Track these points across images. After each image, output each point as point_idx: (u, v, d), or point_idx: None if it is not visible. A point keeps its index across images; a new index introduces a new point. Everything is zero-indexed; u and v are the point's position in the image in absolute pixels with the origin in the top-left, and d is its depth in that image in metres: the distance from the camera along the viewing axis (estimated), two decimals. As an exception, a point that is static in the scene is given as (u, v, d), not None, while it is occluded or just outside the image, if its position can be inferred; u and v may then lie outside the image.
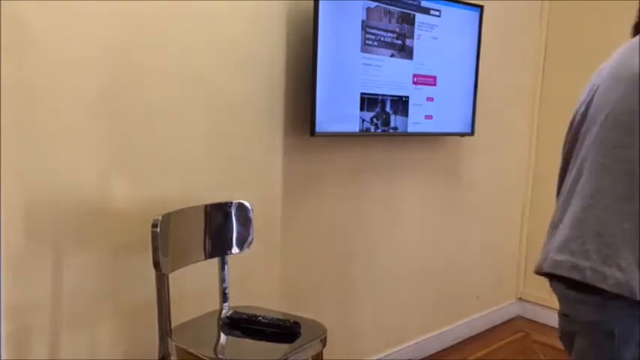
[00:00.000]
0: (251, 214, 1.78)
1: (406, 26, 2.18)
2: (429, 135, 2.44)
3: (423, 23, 2.23)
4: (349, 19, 1.99)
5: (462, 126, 2.52)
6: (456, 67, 2.43)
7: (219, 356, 1.47)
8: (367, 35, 2.04)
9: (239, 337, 1.57)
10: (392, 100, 2.18)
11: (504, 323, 3.21)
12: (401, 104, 2.21)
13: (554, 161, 3.35)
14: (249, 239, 1.79)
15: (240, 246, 1.78)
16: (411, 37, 2.20)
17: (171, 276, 1.56)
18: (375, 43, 2.08)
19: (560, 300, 1.14)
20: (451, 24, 2.36)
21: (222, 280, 1.76)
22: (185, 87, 1.72)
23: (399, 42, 2.16)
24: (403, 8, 2.15)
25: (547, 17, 3.11)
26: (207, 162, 1.80)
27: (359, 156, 2.26)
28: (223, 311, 1.73)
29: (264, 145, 1.95)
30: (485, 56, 2.59)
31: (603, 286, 0.99)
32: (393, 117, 2.19)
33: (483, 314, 3.08)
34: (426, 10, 2.24)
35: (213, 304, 1.78)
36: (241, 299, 1.82)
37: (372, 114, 2.11)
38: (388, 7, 2.09)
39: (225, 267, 1.76)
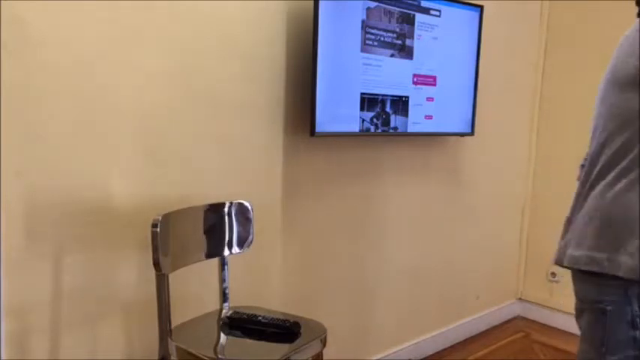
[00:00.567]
0: (251, 214, 1.78)
1: (406, 26, 2.18)
2: (429, 135, 2.44)
3: (423, 23, 2.23)
4: (349, 19, 1.99)
5: (462, 126, 2.52)
6: (456, 67, 2.43)
7: (219, 356, 1.47)
8: (367, 35, 2.04)
9: (239, 337, 1.57)
10: (392, 100, 2.18)
11: (504, 323, 3.21)
12: (401, 104, 2.21)
13: (554, 161, 3.38)
14: (249, 239, 1.79)
15: (240, 246, 1.78)
16: (411, 37, 2.20)
17: (171, 276, 1.56)
18: (375, 43, 2.08)
19: (573, 281, 1.22)
20: (451, 24, 2.36)
21: (222, 280, 1.76)
22: (185, 87, 1.72)
23: (399, 42, 2.16)
24: (403, 8, 2.15)
25: (547, 17, 3.11)
26: (207, 162, 1.80)
27: (359, 156, 2.26)
28: (223, 311, 1.73)
29: (264, 145, 1.95)
30: (485, 56, 2.59)
31: (620, 274, 1.07)
32: (393, 117, 2.19)
33: (483, 314, 3.08)
34: (426, 10, 2.24)
35: (213, 304, 1.78)
36: (241, 299, 1.82)
37: (372, 114, 2.11)
38: (388, 7, 2.09)
39: (225, 267, 1.76)
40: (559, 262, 1.22)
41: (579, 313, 1.20)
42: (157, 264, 1.49)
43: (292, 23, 1.94)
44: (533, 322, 3.23)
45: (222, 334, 1.60)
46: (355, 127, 2.07)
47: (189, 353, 1.46)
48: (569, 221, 1.24)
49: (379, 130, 2.15)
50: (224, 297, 1.77)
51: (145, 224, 1.56)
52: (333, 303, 2.28)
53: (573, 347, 2.85)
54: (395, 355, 2.56)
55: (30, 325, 1.50)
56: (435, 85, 2.34)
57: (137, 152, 1.64)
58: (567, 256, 1.18)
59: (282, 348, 1.50)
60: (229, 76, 1.82)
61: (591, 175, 1.15)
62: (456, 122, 2.49)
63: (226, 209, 1.76)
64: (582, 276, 1.15)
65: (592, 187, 1.15)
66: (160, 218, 1.48)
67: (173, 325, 1.56)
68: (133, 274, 1.67)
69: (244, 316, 1.61)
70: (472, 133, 2.56)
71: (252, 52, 1.86)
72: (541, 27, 3.12)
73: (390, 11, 2.11)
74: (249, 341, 1.56)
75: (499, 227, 3.13)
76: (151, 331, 1.70)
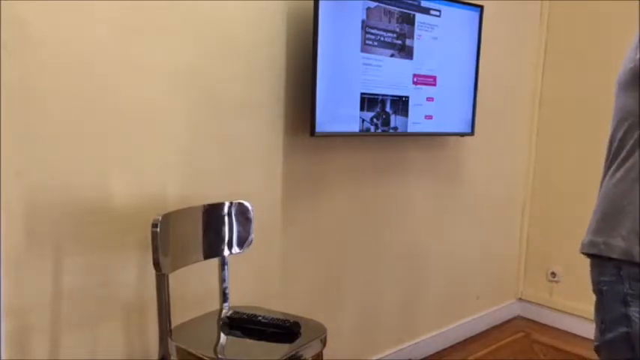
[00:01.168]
0: (251, 214, 1.78)
1: (406, 26, 2.18)
2: (429, 135, 2.44)
3: (423, 23, 2.23)
4: (349, 19, 1.99)
5: (462, 126, 2.52)
6: (456, 67, 2.43)
7: (219, 356, 1.47)
8: (367, 35, 2.04)
9: (239, 337, 1.57)
10: (392, 100, 2.18)
11: (504, 323, 3.21)
12: (401, 104, 2.21)
13: (554, 161, 3.38)
14: (249, 239, 1.79)
15: (240, 246, 1.78)
16: (411, 37, 2.20)
17: (171, 276, 1.56)
18: (375, 43, 2.08)
19: None
20: (451, 24, 2.36)
21: (222, 280, 1.76)
22: (185, 87, 1.72)
23: (399, 42, 2.16)
24: (403, 8, 2.15)
25: (547, 17, 3.11)
26: (207, 162, 1.80)
27: (359, 156, 2.26)
28: (223, 311, 1.73)
29: (264, 145, 1.95)
30: (485, 56, 2.59)
31: (614, 256, 1.15)
32: (393, 117, 2.19)
33: (483, 314, 3.08)
34: (426, 10, 2.24)
35: (213, 304, 1.78)
36: (241, 299, 1.82)
37: (372, 114, 2.11)
38: (388, 7, 2.09)
39: (225, 267, 1.76)
40: (581, 251, 1.33)
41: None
42: (157, 264, 1.49)
43: (292, 23, 1.94)
44: (533, 322, 3.23)
45: (222, 334, 1.60)
46: (355, 127, 2.07)
47: (189, 353, 1.46)
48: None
49: (379, 130, 2.15)
50: (224, 297, 1.77)
51: (145, 224, 1.55)
52: (333, 303, 2.28)
53: (573, 347, 2.85)
54: (395, 355, 2.56)
55: (30, 325, 1.50)
56: (435, 85, 2.34)
57: (137, 152, 1.64)
58: (582, 243, 1.28)
59: (282, 348, 1.50)
60: (229, 76, 1.82)
61: (604, 169, 1.26)
62: (456, 122, 2.49)
63: (226, 209, 1.76)
64: (590, 260, 1.24)
65: (603, 178, 1.26)
66: (160, 218, 1.48)
67: (173, 325, 1.56)
68: (133, 274, 1.67)
69: (244, 316, 1.61)
70: (472, 133, 2.56)
71: (252, 52, 1.86)
72: (541, 27, 3.12)
73: (390, 11, 2.11)
74: (249, 341, 1.56)
75: (499, 227, 3.13)
76: (151, 331, 1.70)
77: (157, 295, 1.53)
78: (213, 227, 1.73)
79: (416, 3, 2.19)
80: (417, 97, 2.27)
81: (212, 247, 1.73)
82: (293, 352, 1.48)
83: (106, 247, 1.61)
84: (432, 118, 2.35)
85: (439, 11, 2.29)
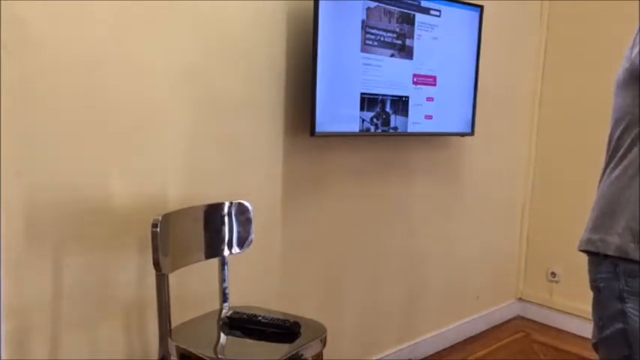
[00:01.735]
0: (251, 214, 1.78)
1: (406, 26, 2.18)
2: (429, 135, 2.44)
3: (423, 23, 2.23)
4: (349, 19, 1.99)
5: (462, 126, 2.52)
6: (456, 67, 2.43)
7: (219, 356, 1.47)
8: (367, 35, 2.04)
9: (239, 337, 1.57)
10: (392, 100, 2.18)
11: (504, 323, 3.21)
12: (401, 104, 2.21)
13: (554, 161, 3.37)
14: (249, 239, 1.79)
15: (240, 246, 1.78)
16: (411, 37, 2.20)
17: (171, 276, 1.56)
18: (375, 43, 2.08)
19: None
20: (451, 24, 2.36)
21: (222, 280, 1.76)
22: (185, 87, 1.72)
23: (399, 42, 2.16)
24: (403, 8, 2.15)
25: (547, 17, 3.11)
26: (207, 162, 1.80)
27: (359, 156, 2.26)
28: (223, 311, 1.73)
29: (264, 145, 1.95)
30: (485, 56, 2.59)
31: (610, 253, 1.16)
32: (393, 117, 2.19)
33: (483, 314, 3.08)
34: (426, 10, 2.24)
35: (213, 304, 1.78)
36: (241, 299, 1.82)
37: (372, 114, 2.11)
38: (388, 7, 2.09)
39: (225, 267, 1.76)
40: (579, 248, 1.34)
41: None
42: (157, 264, 1.49)
43: (292, 23, 1.94)
44: (533, 322, 3.23)
45: (222, 334, 1.60)
46: (355, 127, 2.07)
47: (190, 353, 1.46)
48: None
49: (379, 130, 2.15)
50: (224, 297, 1.76)
51: (145, 224, 1.55)
52: (333, 303, 2.28)
53: (573, 347, 2.85)
54: (395, 355, 2.56)
55: (30, 325, 1.50)
56: (435, 85, 2.34)
57: (137, 152, 1.64)
58: (580, 240, 1.29)
59: (282, 348, 1.50)
60: (229, 76, 1.82)
61: (603, 168, 1.28)
62: (456, 122, 2.49)
63: (226, 209, 1.76)
64: (587, 258, 1.26)
65: (601, 177, 1.27)
66: (160, 218, 1.48)
67: (173, 325, 1.56)
68: (133, 274, 1.67)
69: (244, 316, 1.61)
70: (472, 133, 2.56)
71: (252, 52, 1.86)
72: (541, 27, 3.12)
73: (390, 11, 2.11)
74: (249, 341, 1.56)
75: (499, 227, 3.13)
76: (151, 331, 1.70)
77: (157, 295, 1.53)
78: (213, 227, 1.73)
79: (416, 3, 2.19)
80: (417, 97, 2.27)
81: (212, 247, 1.73)
82: (293, 352, 1.48)
83: (106, 247, 1.61)
84: (432, 118, 2.35)
85: (439, 11, 2.29)
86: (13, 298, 1.45)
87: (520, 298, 3.33)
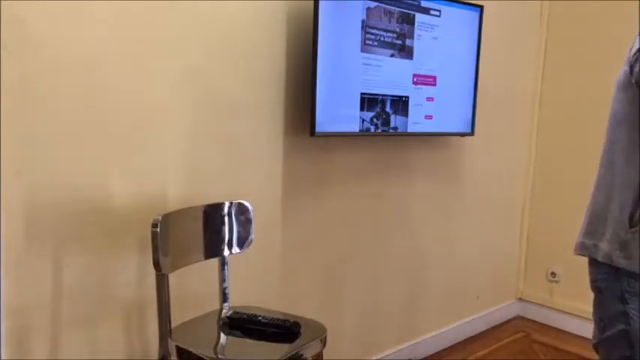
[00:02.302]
0: (251, 214, 1.78)
1: (406, 26, 2.18)
2: (429, 135, 2.44)
3: (423, 23, 2.23)
4: (349, 19, 1.99)
5: (462, 126, 2.52)
6: (456, 67, 2.43)
7: (219, 356, 1.47)
8: (367, 35, 2.04)
9: (239, 337, 1.57)
10: (392, 100, 2.18)
11: (504, 323, 3.21)
12: (401, 104, 2.21)
13: (554, 161, 3.37)
14: (249, 239, 1.79)
15: (240, 246, 1.78)
16: (411, 37, 2.20)
17: (171, 276, 1.56)
18: (375, 43, 2.08)
19: None
20: (451, 24, 2.36)
21: (222, 280, 1.76)
22: (185, 87, 1.72)
23: (399, 42, 2.16)
24: (403, 8, 2.15)
25: (547, 17, 3.11)
26: (207, 162, 1.80)
27: (359, 156, 2.26)
28: (223, 311, 1.73)
29: (264, 145, 1.95)
30: (485, 56, 2.59)
31: (598, 258, 1.21)
32: (393, 117, 2.19)
33: (483, 314, 3.08)
34: (426, 10, 2.24)
35: (213, 304, 1.78)
36: (241, 299, 1.82)
37: (372, 114, 2.11)
38: (388, 7, 2.09)
39: (225, 267, 1.76)
40: (574, 251, 1.36)
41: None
42: (157, 264, 1.49)
43: (292, 23, 1.94)
44: (533, 322, 3.23)
45: (222, 334, 1.60)
46: (355, 127, 2.07)
47: (190, 353, 1.46)
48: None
49: (379, 130, 2.15)
50: (224, 297, 1.76)
51: (145, 224, 1.55)
52: (333, 303, 2.28)
53: (573, 347, 2.85)
54: (395, 355, 2.56)
55: (30, 325, 1.50)
56: (435, 85, 2.34)
57: (137, 152, 1.64)
58: (575, 244, 1.32)
59: (282, 348, 1.50)
60: (229, 76, 1.82)
61: (599, 168, 1.30)
62: (456, 122, 2.49)
63: (226, 209, 1.76)
64: (588, 259, 1.28)
65: (597, 177, 1.29)
66: (160, 218, 1.48)
67: (173, 325, 1.56)
68: (133, 274, 1.67)
69: (244, 316, 1.61)
70: (472, 133, 2.56)
71: (252, 52, 1.86)
72: (541, 27, 3.12)
73: (390, 11, 2.11)
74: (249, 341, 1.56)
75: (499, 227, 3.13)
76: (151, 331, 1.70)
77: (157, 295, 1.53)
78: (213, 227, 1.73)
79: (416, 3, 2.19)
80: (417, 97, 2.27)
81: (212, 247, 1.73)
82: (293, 352, 1.48)
83: (106, 247, 1.61)
84: (432, 118, 2.35)
85: (439, 11, 2.29)
86: (13, 297, 1.45)
87: (520, 298, 3.33)
